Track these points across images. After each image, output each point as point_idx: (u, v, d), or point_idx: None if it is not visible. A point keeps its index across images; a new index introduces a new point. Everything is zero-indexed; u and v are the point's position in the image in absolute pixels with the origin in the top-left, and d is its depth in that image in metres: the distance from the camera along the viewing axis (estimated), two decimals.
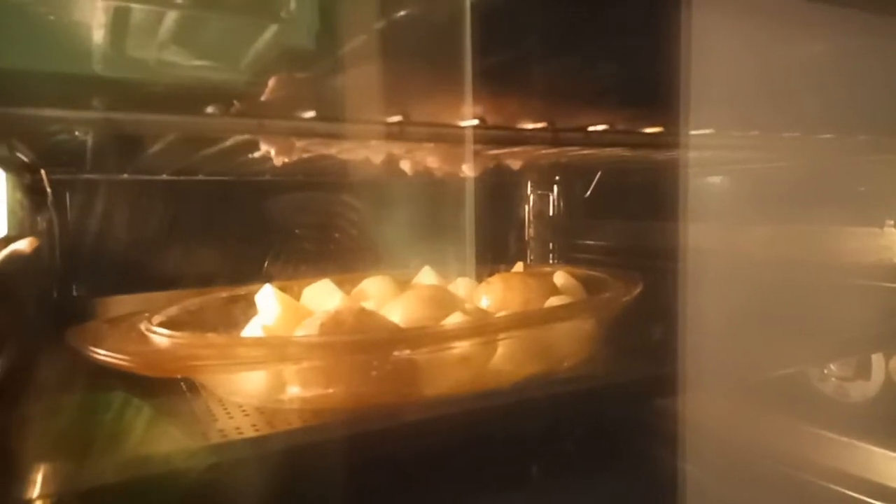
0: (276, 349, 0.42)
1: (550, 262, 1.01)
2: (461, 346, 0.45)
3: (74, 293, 0.77)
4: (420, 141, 0.42)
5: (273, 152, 0.47)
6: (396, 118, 0.39)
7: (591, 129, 0.49)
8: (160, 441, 0.42)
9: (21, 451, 0.40)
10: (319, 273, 0.86)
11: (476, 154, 0.54)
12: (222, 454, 0.37)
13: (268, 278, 0.88)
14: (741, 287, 0.68)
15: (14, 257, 0.52)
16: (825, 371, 0.67)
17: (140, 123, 0.33)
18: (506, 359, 0.48)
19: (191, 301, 0.59)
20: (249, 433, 0.43)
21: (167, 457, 0.36)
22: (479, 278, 0.72)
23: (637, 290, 0.59)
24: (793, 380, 0.71)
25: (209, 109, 0.34)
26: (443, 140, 0.41)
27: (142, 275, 0.80)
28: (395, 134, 0.38)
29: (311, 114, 0.36)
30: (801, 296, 0.69)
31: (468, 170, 0.54)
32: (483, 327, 0.46)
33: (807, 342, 0.64)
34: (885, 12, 0.61)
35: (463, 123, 0.42)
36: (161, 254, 0.82)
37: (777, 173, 0.78)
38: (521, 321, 0.48)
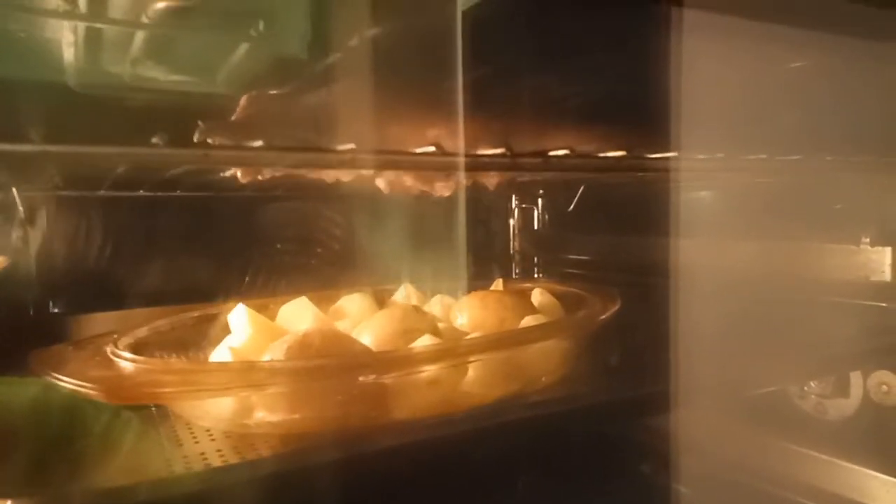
0: (239, 374, 0.42)
1: (535, 276, 1.00)
2: (430, 370, 0.45)
3: (51, 310, 0.76)
4: (381, 168, 0.42)
5: (239, 173, 0.46)
6: (349, 146, 0.38)
7: (570, 152, 0.49)
8: (120, 470, 0.41)
9: None
10: (301, 288, 0.86)
11: (451, 175, 0.54)
12: (182, 486, 0.36)
13: (249, 293, 0.87)
14: (724, 303, 0.68)
15: None
16: (805, 388, 0.67)
17: (79, 156, 0.32)
18: (477, 381, 0.48)
19: (161, 321, 0.58)
20: (214, 460, 0.42)
21: (124, 490, 0.35)
22: (463, 293, 0.72)
23: (614, 308, 0.59)
24: (775, 397, 0.71)
25: (154, 140, 0.33)
26: (410, 168, 0.41)
27: (120, 291, 0.79)
28: (351, 162, 0.38)
29: (258, 143, 0.36)
30: (783, 312, 0.69)
31: (443, 189, 0.54)
32: (451, 350, 0.46)
33: (788, 359, 0.63)
34: (868, 36, 0.62)
35: (422, 150, 0.41)
36: (140, 270, 0.81)
37: (760, 189, 0.78)
38: (490, 344, 0.48)
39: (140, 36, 0.53)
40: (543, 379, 0.53)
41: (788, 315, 0.66)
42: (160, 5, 0.46)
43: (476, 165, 0.45)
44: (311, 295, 0.65)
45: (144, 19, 0.47)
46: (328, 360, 0.42)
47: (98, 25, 0.48)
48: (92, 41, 0.56)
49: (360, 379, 0.43)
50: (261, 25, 0.50)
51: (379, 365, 0.43)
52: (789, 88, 0.72)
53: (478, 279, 0.87)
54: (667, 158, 0.57)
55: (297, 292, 0.80)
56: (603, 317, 0.56)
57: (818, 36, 0.63)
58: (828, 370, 0.64)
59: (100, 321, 0.77)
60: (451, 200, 0.81)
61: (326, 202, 0.92)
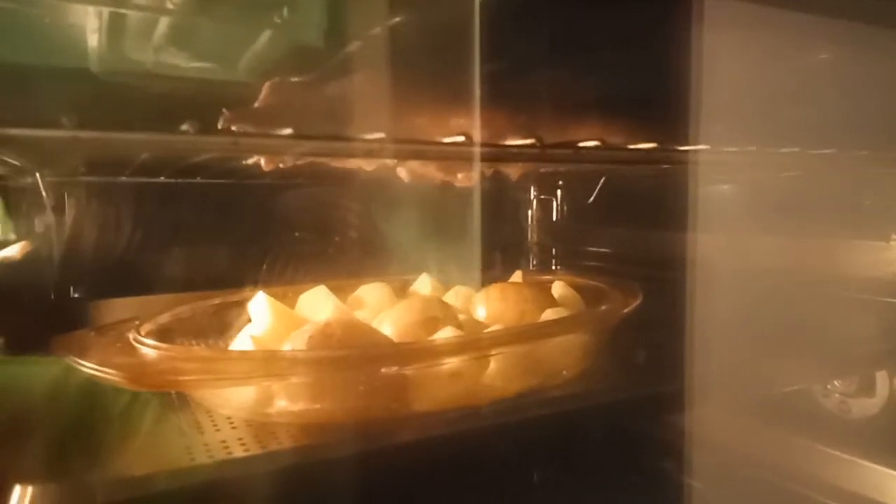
0: (261, 364, 0.42)
1: (553, 268, 1.00)
2: (452, 362, 0.44)
3: (72, 295, 0.77)
4: (407, 158, 0.41)
5: (262, 161, 0.46)
6: (378, 135, 0.38)
7: (599, 144, 0.48)
8: (141, 457, 0.41)
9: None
10: (318, 276, 0.86)
11: (472, 165, 0.53)
12: (203, 475, 0.37)
13: (267, 281, 0.87)
14: (746, 299, 0.67)
15: (7, 265, 0.52)
16: (828, 386, 0.66)
17: (109, 142, 0.32)
18: (498, 373, 0.48)
19: (182, 308, 0.58)
20: (235, 449, 0.42)
21: (145, 479, 0.35)
22: (480, 283, 0.71)
23: (635, 303, 0.58)
24: (796, 394, 0.70)
25: (184, 126, 0.33)
26: (432, 158, 0.41)
27: (139, 277, 0.80)
28: (376, 151, 0.37)
29: (288, 130, 0.35)
30: (807, 309, 0.68)
31: (464, 180, 0.53)
32: (473, 343, 0.45)
33: (811, 358, 0.62)
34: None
35: (452, 139, 0.41)
36: (159, 256, 0.82)
37: (783, 184, 0.77)
38: (512, 337, 0.48)
39: (164, 23, 0.53)
40: (564, 373, 0.53)
41: (812, 312, 0.65)
42: None
43: (504, 156, 0.44)
44: (330, 284, 0.65)
45: (169, 6, 0.47)
46: (351, 351, 0.42)
47: (122, 11, 0.48)
48: (116, 27, 0.56)
49: (383, 370, 0.42)
50: (284, 12, 0.50)
51: (402, 356, 0.43)
52: (817, 80, 0.71)
53: (494, 270, 0.86)
54: (690, 151, 0.56)
55: (314, 280, 0.80)
56: (625, 311, 0.55)
57: (850, 25, 0.61)
58: (853, 369, 0.63)
59: (119, 307, 0.77)
60: (469, 191, 0.81)
61: (345, 190, 0.92)
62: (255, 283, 0.85)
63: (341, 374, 0.43)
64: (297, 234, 0.91)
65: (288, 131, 0.36)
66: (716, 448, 0.68)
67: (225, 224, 0.86)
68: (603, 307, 0.55)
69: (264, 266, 0.88)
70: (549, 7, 0.58)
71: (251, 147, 0.36)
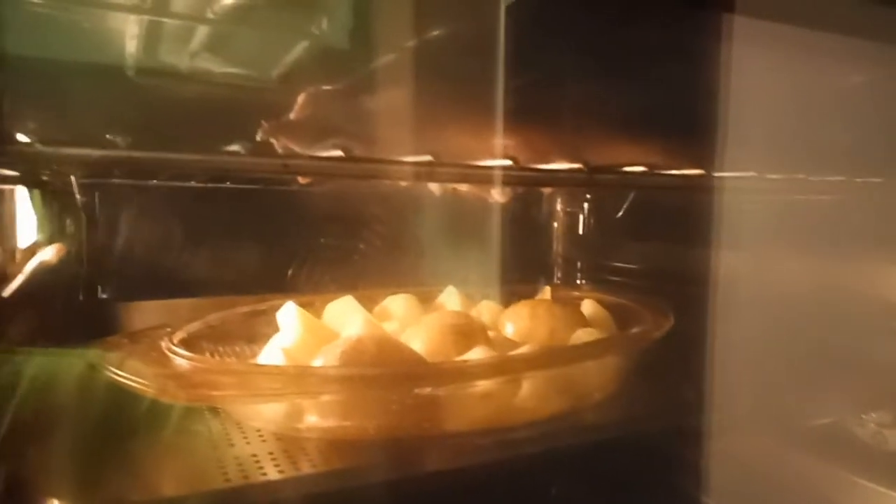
0: (295, 380, 0.41)
1: (578, 281, 0.99)
2: (484, 383, 0.44)
3: (101, 296, 0.77)
4: (452, 181, 0.41)
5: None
6: (426, 157, 0.38)
7: (627, 168, 0.47)
8: (170, 469, 0.41)
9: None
10: (343, 282, 0.86)
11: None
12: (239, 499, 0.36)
13: (292, 286, 0.87)
14: (777, 322, 0.66)
15: (42, 266, 0.52)
16: (863, 416, 0.64)
17: (163, 162, 0.32)
18: (530, 395, 0.47)
19: (212, 316, 0.58)
20: (266, 465, 0.42)
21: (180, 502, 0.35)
22: (504, 296, 0.71)
23: (668, 325, 0.57)
24: (829, 422, 0.68)
25: (234, 147, 0.33)
26: (475, 181, 0.40)
27: (167, 279, 0.80)
28: (424, 175, 0.37)
29: (336, 152, 0.35)
30: (842, 336, 0.66)
31: (497, 195, 0.53)
32: (508, 365, 0.45)
33: (846, 387, 0.61)
34: None
35: (494, 163, 0.40)
36: (186, 259, 0.82)
37: (818, 206, 0.75)
38: (548, 359, 0.47)
39: (202, 30, 0.53)
40: (592, 398, 0.52)
41: (848, 339, 0.64)
42: (227, 2, 0.45)
43: (547, 181, 0.43)
44: (356, 294, 0.65)
45: (210, 15, 0.47)
46: (385, 370, 0.42)
47: (164, 20, 0.48)
48: (154, 33, 0.56)
49: (416, 391, 0.42)
50: (323, 23, 0.50)
51: (435, 377, 0.43)
52: (852, 102, 0.69)
53: (518, 282, 0.85)
54: (718, 177, 0.56)
55: (339, 287, 0.80)
56: (657, 334, 0.54)
57: (887, 47, 0.60)
58: (890, 400, 0.62)
59: (147, 309, 0.78)
60: (494, 208, 0.80)
61: (372, 199, 0.92)
62: (281, 287, 0.85)
63: (374, 393, 0.42)
64: (322, 239, 0.90)
65: (336, 153, 0.36)
66: (739, 471, 0.66)
67: (251, 228, 0.86)
68: (636, 329, 0.55)
69: (290, 271, 0.88)
70: (577, 27, 0.57)
71: (300, 169, 0.36)
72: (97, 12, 0.56)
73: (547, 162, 0.45)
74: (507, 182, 0.41)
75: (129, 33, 0.56)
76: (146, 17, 0.51)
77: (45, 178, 0.53)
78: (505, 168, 0.40)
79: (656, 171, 0.48)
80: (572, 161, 0.46)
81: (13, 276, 0.48)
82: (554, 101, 0.62)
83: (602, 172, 0.45)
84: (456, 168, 0.39)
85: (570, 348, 0.50)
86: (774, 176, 0.61)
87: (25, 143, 0.29)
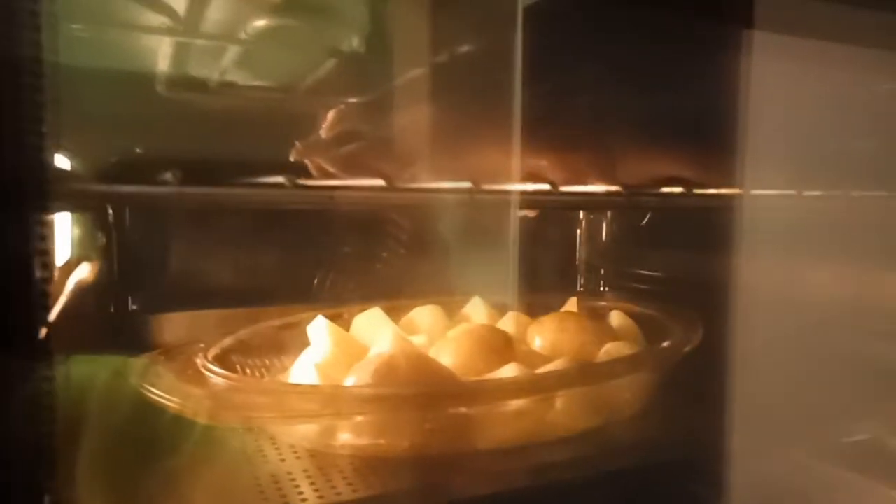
0: (330, 400, 0.42)
1: (601, 289, 0.98)
2: (518, 401, 0.44)
3: (131, 308, 0.79)
4: (491, 206, 0.41)
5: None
6: (467, 184, 0.38)
7: (665, 189, 0.47)
8: (210, 490, 0.41)
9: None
10: (367, 292, 0.86)
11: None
12: None
13: (317, 296, 0.88)
14: (808, 333, 0.65)
15: (80, 285, 0.53)
16: None
17: (213, 197, 0.33)
18: (563, 412, 0.47)
19: (244, 331, 0.59)
20: (302, 483, 0.42)
21: None
22: (528, 306, 0.71)
23: (698, 337, 0.57)
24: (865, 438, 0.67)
25: (280, 179, 0.33)
26: (513, 206, 0.40)
27: (195, 291, 0.81)
28: (465, 201, 0.37)
29: (377, 181, 0.35)
30: (879, 349, 0.65)
31: (525, 211, 0.53)
32: (543, 383, 0.45)
33: (885, 402, 0.60)
34: None
35: (532, 187, 0.41)
36: (214, 271, 0.83)
37: (847, 214, 0.74)
38: (583, 376, 0.47)
39: (234, 49, 0.54)
40: (622, 414, 0.52)
41: (886, 352, 0.63)
42: (259, 23, 0.46)
43: (585, 203, 0.43)
44: (382, 305, 0.65)
45: (242, 35, 0.47)
46: (420, 389, 0.42)
47: (198, 41, 0.49)
48: (185, 51, 0.57)
49: (450, 410, 0.42)
50: (354, 42, 0.50)
51: (471, 396, 0.43)
52: (876, 116, 0.68)
53: (541, 291, 0.85)
54: (738, 195, 0.55)
55: (363, 297, 0.80)
56: (689, 347, 0.54)
57: None
58: None
59: (175, 321, 0.79)
60: (511, 214, 0.80)
61: (395, 208, 0.92)
62: (306, 297, 0.86)
63: (409, 412, 0.43)
64: (346, 249, 0.91)
65: (378, 182, 0.36)
66: (771, 487, 0.66)
67: (278, 240, 0.87)
68: (667, 343, 0.54)
69: (315, 281, 0.89)
70: (596, 43, 0.57)
71: (347, 200, 0.36)
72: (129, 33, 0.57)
73: (580, 180, 0.45)
74: (544, 205, 0.41)
75: (161, 51, 0.57)
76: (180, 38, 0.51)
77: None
78: (543, 192, 0.40)
79: (693, 192, 0.48)
80: (601, 178, 0.46)
81: (57, 295, 0.49)
82: (576, 116, 0.62)
83: (638, 194, 0.45)
84: (495, 194, 0.40)
85: (606, 364, 0.50)
86: (791, 192, 0.60)
87: (79, 183, 0.30)
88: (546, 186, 0.41)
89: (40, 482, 0.26)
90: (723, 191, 0.51)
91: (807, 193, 0.55)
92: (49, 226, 0.28)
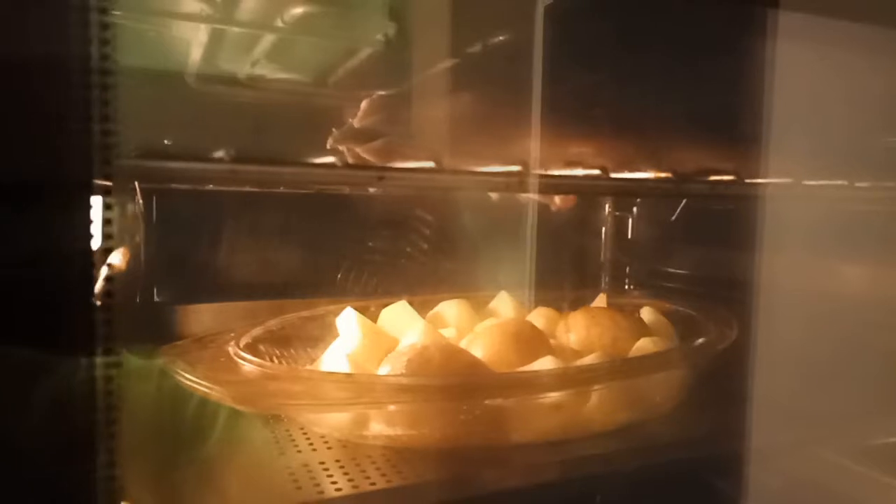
0: (365, 388, 0.41)
1: (626, 287, 0.97)
2: (555, 395, 0.43)
3: (156, 299, 0.79)
4: (543, 192, 0.40)
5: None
6: (515, 168, 0.37)
7: (666, 174, 0.46)
8: (245, 480, 0.41)
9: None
10: (391, 286, 0.86)
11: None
12: None
13: (341, 288, 0.88)
14: (840, 332, 0.64)
15: (115, 271, 0.53)
16: None
17: (264, 175, 0.32)
18: (599, 406, 0.46)
19: (273, 321, 0.59)
20: (336, 473, 0.42)
21: None
22: (554, 301, 0.70)
23: (733, 334, 0.56)
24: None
25: (327, 158, 0.33)
26: (563, 191, 0.40)
27: (220, 282, 0.81)
28: (514, 185, 0.37)
29: (430, 164, 0.35)
30: None
31: (561, 202, 0.52)
32: (581, 376, 0.44)
33: None
34: None
35: (585, 172, 0.40)
36: (239, 263, 0.83)
37: (873, 209, 0.73)
38: (621, 370, 0.46)
39: (268, 39, 0.53)
40: (657, 410, 0.51)
41: None
42: (296, 11, 0.46)
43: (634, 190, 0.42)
44: (408, 298, 0.65)
45: (279, 24, 0.47)
46: (457, 380, 0.41)
47: (233, 29, 0.49)
48: (219, 41, 0.56)
49: (487, 401, 0.42)
50: (390, 31, 0.50)
51: (507, 387, 0.42)
52: None
53: (567, 288, 0.85)
54: (763, 184, 0.54)
55: (387, 291, 0.80)
56: (725, 343, 0.53)
57: None
58: None
59: (200, 312, 0.79)
60: (530, 207, 0.79)
61: (418, 201, 0.92)
62: (330, 291, 0.86)
63: (444, 403, 0.42)
64: (370, 243, 0.91)
65: (429, 164, 0.35)
66: (795, 485, 0.64)
67: (302, 232, 0.87)
68: (702, 339, 0.53)
69: (339, 274, 0.88)
70: (616, 21, 0.56)
71: (395, 180, 0.35)
72: (163, 21, 0.57)
73: (621, 168, 0.44)
74: (596, 192, 0.40)
75: (195, 41, 0.57)
76: (214, 26, 0.51)
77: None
78: (594, 178, 0.40)
79: (745, 180, 0.47)
80: (641, 167, 0.45)
81: (95, 280, 0.49)
82: (594, 105, 0.61)
83: (689, 181, 0.44)
84: (543, 178, 0.39)
85: (645, 359, 0.49)
86: (821, 182, 0.59)
87: (132, 158, 0.29)
88: (596, 172, 0.40)
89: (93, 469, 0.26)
90: (771, 180, 0.49)
91: (858, 185, 0.54)
92: (107, 211, 0.28)
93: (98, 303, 0.30)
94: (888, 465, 0.63)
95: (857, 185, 0.55)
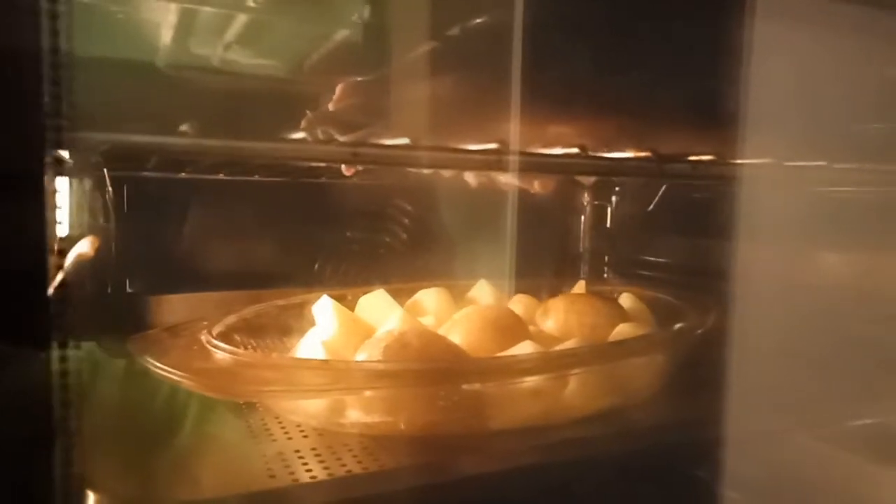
0: (341, 374, 0.41)
1: (605, 276, 0.97)
2: (533, 379, 0.43)
3: (128, 290, 0.77)
4: (523, 171, 0.40)
5: (343, 166, 0.45)
6: (493, 145, 0.37)
7: (650, 155, 0.46)
8: (218, 467, 0.40)
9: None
10: (369, 276, 0.85)
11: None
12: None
13: (318, 279, 0.87)
14: (815, 317, 0.64)
15: (79, 261, 0.52)
16: None
17: (229, 149, 0.31)
18: (578, 392, 0.46)
19: (247, 309, 0.57)
20: (311, 461, 0.41)
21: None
22: (533, 290, 0.70)
23: (711, 319, 0.56)
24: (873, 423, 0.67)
25: (301, 135, 0.32)
26: (544, 170, 0.39)
27: (194, 273, 0.79)
28: (492, 164, 0.36)
29: (404, 140, 0.34)
30: (878, 332, 0.65)
31: (539, 187, 0.51)
32: (560, 360, 0.44)
33: (884, 385, 0.60)
34: None
35: (562, 151, 0.39)
36: (214, 253, 0.81)
37: (849, 196, 0.74)
38: (600, 355, 0.46)
39: (240, 21, 0.52)
40: (637, 396, 0.51)
41: (890, 337, 0.62)
42: None
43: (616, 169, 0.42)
44: (386, 287, 0.64)
45: (251, 3, 0.46)
46: (435, 365, 0.41)
47: (205, 8, 0.47)
48: (190, 24, 0.55)
49: (465, 386, 0.41)
50: (365, 12, 0.49)
51: (486, 372, 0.42)
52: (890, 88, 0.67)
53: (545, 276, 0.84)
54: (742, 164, 0.54)
55: (366, 281, 0.79)
56: (704, 328, 0.53)
57: None
58: None
59: (174, 303, 0.77)
60: (510, 195, 0.78)
61: (397, 191, 0.91)
62: (307, 281, 0.84)
63: (422, 389, 0.41)
64: (348, 233, 0.90)
65: (404, 141, 0.35)
66: (775, 471, 0.65)
67: (279, 222, 0.85)
68: (681, 324, 0.53)
69: (316, 264, 0.87)
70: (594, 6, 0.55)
71: (371, 157, 0.34)
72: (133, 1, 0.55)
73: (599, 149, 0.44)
74: (575, 171, 0.40)
75: (164, 23, 0.56)
76: (184, 6, 0.50)
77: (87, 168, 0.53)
78: (573, 156, 0.39)
79: (726, 161, 0.46)
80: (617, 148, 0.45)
81: (55, 270, 0.47)
82: (573, 92, 0.60)
83: (670, 161, 0.44)
84: (523, 156, 0.38)
85: (623, 343, 0.49)
86: (801, 164, 0.59)
87: (98, 132, 0.28)
88: (575, 150, 0.40)
89: (51, 459, 0.25)
90: (749, 160, 0.49)
91: (836, 166, 0.54)
92: (60, 196, 0.27)
93: (52, 293, 0.28)
94: (865, 449, 0.64)
95: (836, 166, 0.55)
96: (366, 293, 0.63)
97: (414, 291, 0.68)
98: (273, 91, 0.72)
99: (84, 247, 0.56)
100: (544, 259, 0.98)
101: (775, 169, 0.61)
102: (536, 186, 0.55)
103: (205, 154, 0.30)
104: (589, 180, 0.64)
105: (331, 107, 0.51)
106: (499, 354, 0.45)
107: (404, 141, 0.35)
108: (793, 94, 0.57)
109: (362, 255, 0.90)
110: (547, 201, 0.97)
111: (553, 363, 0.43)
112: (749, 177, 0.61)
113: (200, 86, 0.71)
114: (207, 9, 0.49)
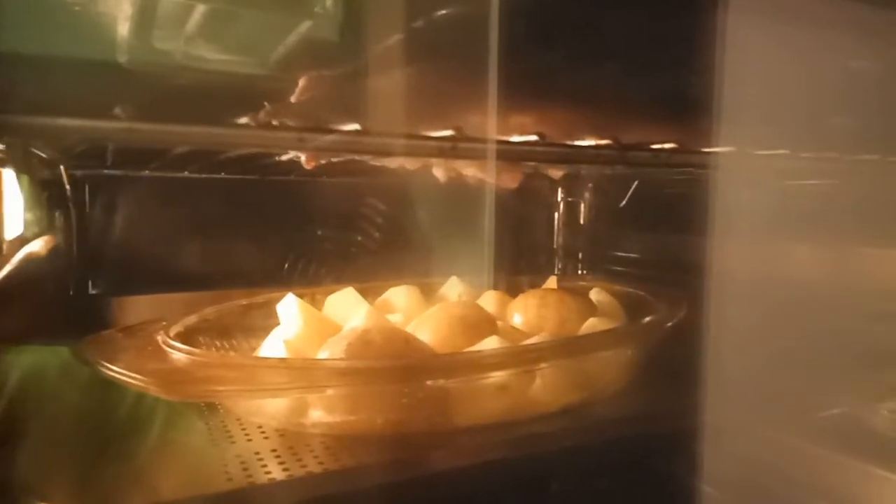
0: (302, 373, 0.40)
1: (580, 272, 0.97)
2: (499, 375, 0.42)
3: (91, 291, 0.75)
4: (473, 158, 0.39)
5: (304, 158, 0.44)
6: (447, 132, 0.36)
7: (612, 143, 0.45)
8: (175, 471, 0.39)
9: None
10: (341, 276, 0.84)
11: (519, 167, 0.51)
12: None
13: (289, 279, 0.85)
14: (781, 311, 0.64)
15: (30, 259, 0.50)
16: (877, 405, 0.63)
17: (166, 134, 0.30)
18: (545, 387, 0.45)
19: (209, 309, 0.56)
20: (270, 463, 0.40)
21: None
22: (508, 289, 0.69)
23: (681, 313, 0.56)
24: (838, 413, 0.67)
25: (244, 119, 0.31)
26: (500, 157, 0.38)
27: (160, 273, 0.78)
28: (446, 151, 0.35)
29: (354, 126, 0.33)
30: (849, 324, 0.65)
31: (509, 181, 0.51)
32: (525, 355, 0.43)
33: (857, 377, 0.60)
34: None
35: (521, 139, 0.39)
36: (180, 252, 0.80)
37: (821, 190, 0.74)
38: (566, 349, 0.45)
39: (199, 11, 0.51)
40: (605, 390, 0.51)
41: (856, 327, 0.63)
42: None
43: (576, 157, 0.41)
44: (356, 286, 0.63)
45: None
46: (397, 362, 0.40)
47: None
48: (148, 15, 0.53)
49: (429, 383, 0.40)
50: (328, 2, 0.47)
51: (449, 368, 0.41)
52: (861, 81, 0.68)
53: (522, 273, 0.84)
54: (718, 154, 0.54)
55: (337, 280, 0.78)
56: (673, 322, 0.53)
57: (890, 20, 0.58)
58: None
59: (139, 304, 0.75)
60: (487, 193, 0.78)
61: (369, 190, 0.90)
62: (277, 281, 0.83)
63: (385, 386, 0.40)
64: (319, 232, 0.88)
65: (355, 127, 0.34)
66: (747, 464, 0.65)
67: (247, 221, 0.84)
68: (650, 318, 0.53)
69: (286, 264, 0.86)
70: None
71: (317, 144, 0.33)
72: None
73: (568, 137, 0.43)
74: (533, 158, 0.39)
75: (121, 15, 0.54)
76: None
77: (33, 162, 0.51)
78: (532, 144, 0.38)
79: (688, 149, 0.46)
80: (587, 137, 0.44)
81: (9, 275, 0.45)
82: (550, 85, 0.59)
83: (631, 149, 0.43)
84: (480, 144, 0.37)
85: (589, 337, 0.49)
86: (767, 152, 0.59)
87: (18, 113, 0.27)
88: (533, 137, 0.39)
89: None
90: (716, 149, 0.49)
91: (804, 155, 0.54)
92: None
93: None
94: (838, 442, 0.65)
95: (803, 155, 0.55)
96: (335, 291, 0.62)
97: (385, 290, 0.67)
98: (234, 86, 0.70)
99: (37, 246, 0.54)
100: (521, 258, 0.98)
101: (746, 159, 0.61)
102: (505, 180, 0.54)
103: (134, 138, 0.29)
104: (558, 174, 0.63)
105: (293, 100, 0.50)
106: (464, 350, 0.44)
107: (354, 127, 0.34)
108: (764, 85, 0.57)
109: (334, 255, 0.88)
110: (521, 198, 0.97)
111: (518, 358, 0.42)
112: (721, 170, 0.61)
113: (164, 82, 0.69)
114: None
